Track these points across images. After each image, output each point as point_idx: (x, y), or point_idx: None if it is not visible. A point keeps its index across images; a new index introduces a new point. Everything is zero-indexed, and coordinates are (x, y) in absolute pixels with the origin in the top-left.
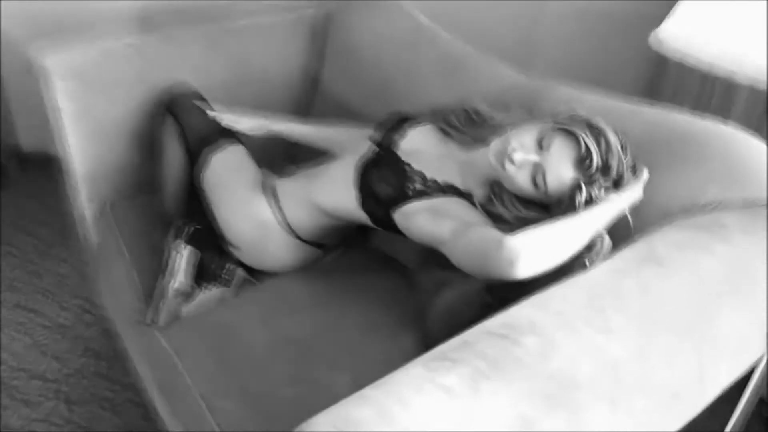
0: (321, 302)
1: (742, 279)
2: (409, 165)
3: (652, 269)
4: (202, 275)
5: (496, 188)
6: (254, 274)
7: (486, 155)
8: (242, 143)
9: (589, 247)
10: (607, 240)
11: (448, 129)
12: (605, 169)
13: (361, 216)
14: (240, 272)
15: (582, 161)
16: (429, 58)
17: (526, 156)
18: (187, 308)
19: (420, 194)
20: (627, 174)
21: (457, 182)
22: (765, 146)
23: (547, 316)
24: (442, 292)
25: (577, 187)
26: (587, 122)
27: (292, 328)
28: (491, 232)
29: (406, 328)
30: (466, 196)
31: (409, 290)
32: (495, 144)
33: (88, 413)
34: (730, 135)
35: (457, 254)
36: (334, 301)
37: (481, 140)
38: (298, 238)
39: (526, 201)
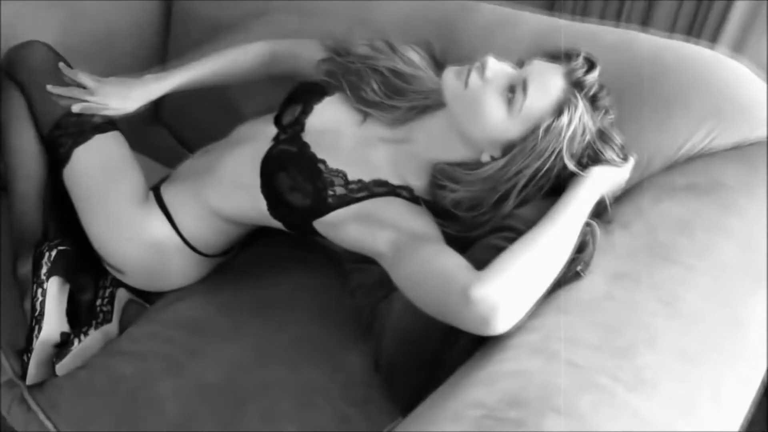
0: (235, 327)
1: (759, 259)
2: (324, 163)
3: (667, 270)
4: (75, 314)
5: (439, 171)
6: (140, 291)
7: (425, 129)
8: (116, 127)
9: (581, 248)
10: (598, 232)
11: (367, 110)
12: (598, 94)
13: (274, 223)
14: (121, 294)
15: (572, 72)
16: None
17: (501, 65)
18: (62, 364)
19: (343, 201)
20: (612, 130)
21: (388, 175)
22: (754, 73)
23: (556, 370)
24: (391, 301)
25: (564, 103)
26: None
27: (207, 372)
28: (451, 267)
29: (349, 345)
30: (401, 191)
31: (345, 289)
32: (450, 69)
33: None
34: (713, 61)
35: (400, 278)
36: (252, 321)
37: (412, 114)
38: (202, 254)
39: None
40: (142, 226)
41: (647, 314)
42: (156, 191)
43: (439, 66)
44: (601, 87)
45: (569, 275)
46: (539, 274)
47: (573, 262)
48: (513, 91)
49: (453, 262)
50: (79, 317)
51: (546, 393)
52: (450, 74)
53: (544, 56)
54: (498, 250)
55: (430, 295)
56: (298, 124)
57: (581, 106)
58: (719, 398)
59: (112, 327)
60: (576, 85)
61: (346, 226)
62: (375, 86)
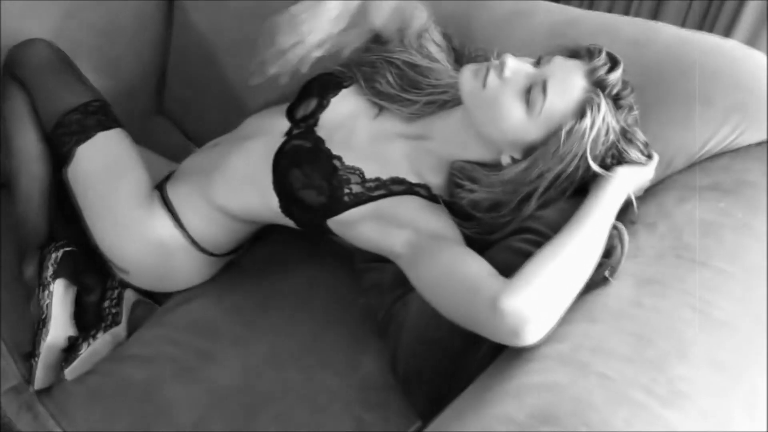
0: (246, 329)
1: None
2: (340, 159)
3: (696, 275)
4: (82, 316)
5: (457, 169)
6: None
7: (442, 126)
8: (119, 124)
9: (608, 253)
10: (626, 236)
11: (382, 102)
12: (621, 92)
13: (285, 221)
14: (129, 294)
15: (594, 70)
16: None
17: (520, 64)
18: (71, 369)
19: (359, 199)
20: (636, 130)
21: (406, 172)
22: None
23: (588, 383)
24: (408, 302)
25: (587, 103)
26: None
27: (218, 376)
28: (475, 274)
29: (364, 346)
30: (419, 189)
31: (357, 285)
32: (467, 68)
33: None
34: (738, 53)
35: (419, 280)
36: (263, 322)
37: (430, 108)
38: (210, 254)
39: (496, 167)
40: (147, 225)
41: (678, 322)
42: (161, 189)
43: (458, 58)
44: (625, 84)
45: (596, 281)
46: (569, 281)
47: (600, 266)
48: (534, 86)
49: (477, 267)
50: (86, 320)
51: (579, 408)
52: (467, 73)
53: (564, 53)
54: (519, 253)
55: (454, 302)
56: (312, 118)
57: (604, 106)
58: (755, 409)
59: (121, 329)
60: (598, 84)
61: (361, 225)
62: (390, 78)
